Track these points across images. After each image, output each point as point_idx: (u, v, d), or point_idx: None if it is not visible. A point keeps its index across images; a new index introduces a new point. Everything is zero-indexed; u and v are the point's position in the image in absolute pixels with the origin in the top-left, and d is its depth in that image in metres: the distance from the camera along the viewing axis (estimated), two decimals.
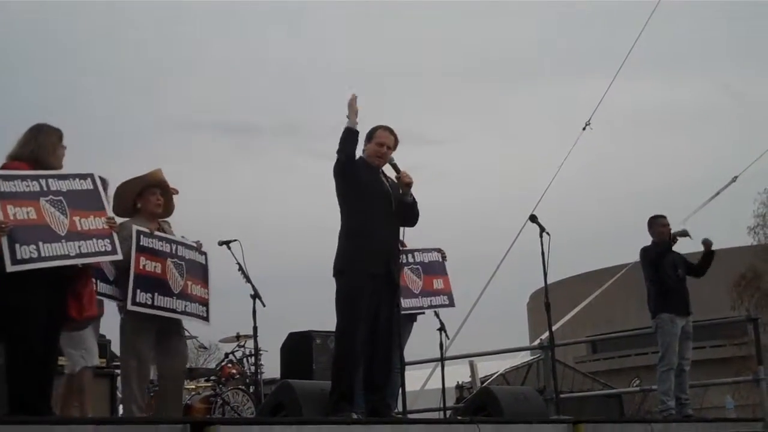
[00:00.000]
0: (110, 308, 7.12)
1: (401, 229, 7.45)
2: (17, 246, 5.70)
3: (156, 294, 6.85)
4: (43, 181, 6.00)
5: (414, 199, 7.15)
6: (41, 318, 5.78)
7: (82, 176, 6.27)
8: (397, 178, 7.09)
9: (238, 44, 65.73)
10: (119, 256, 6.33)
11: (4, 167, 6.03)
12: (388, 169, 7.17)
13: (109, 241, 6.18)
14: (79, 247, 5.99)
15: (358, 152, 7.13)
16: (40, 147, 6.10)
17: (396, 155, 7.12)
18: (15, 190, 5.85)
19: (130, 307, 6.72)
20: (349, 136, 6.89)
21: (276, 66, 69.32)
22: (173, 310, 6.96)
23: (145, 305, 6.77)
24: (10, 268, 5.68)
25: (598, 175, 59.90)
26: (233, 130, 68.41)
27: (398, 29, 66.92)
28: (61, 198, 6.03)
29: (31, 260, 5.74)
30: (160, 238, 7.05)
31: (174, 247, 7.14)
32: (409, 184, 7.06)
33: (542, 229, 8.51)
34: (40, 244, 5.80)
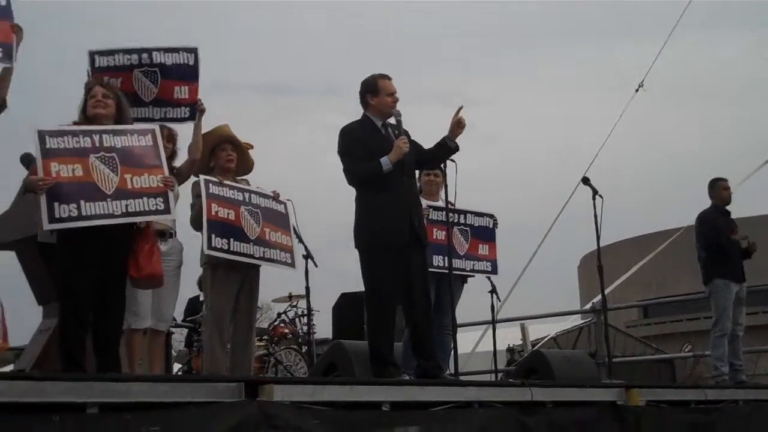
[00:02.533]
0: None
1: (451, 189, 7.43)
2: (56, 204, 5.65)
3: (231, 239, 6.77)
4: (96, 137, 5.92)
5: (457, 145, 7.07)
6: (94, 274, 5.76)
7: (142, 132, 6.18)
8: (454, 126, 6.98)
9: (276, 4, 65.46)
10: (172, 216, 6.33)
11: None
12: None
13: (162, 199, 6.04)
14: (127, 206, 5.87)
15: (358, 111, 7.02)
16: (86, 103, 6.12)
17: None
18: (62, 147, 5.79)
19: (206, 251, 6.71)
20: (377, 176, 6.73)
21: (316, 26, 69.07)
22: (251, 255, 6.87)
23: (221, 249, 6.71)
24: (46, 226, 5.69)
25: (651, 138, 59.22)
26: (273, 91, 68.35)
27: None
28: (113, 155, 5.92)
29: (69, 219, 5.68)
30: (231, 187, 6.98)
31: (247, 196, 7.05)
32: (463, 128, 7.00)
33: (595, 192, 8.47)
34: (82, 202, 5.71)
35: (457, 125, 6.98)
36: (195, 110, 7.10)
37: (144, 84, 7.02)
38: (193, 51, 7.19)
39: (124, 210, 5.87)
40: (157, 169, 6.11)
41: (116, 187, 5.88)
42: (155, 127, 6.35)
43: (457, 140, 7.04)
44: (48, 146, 5.76)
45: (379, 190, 6.76)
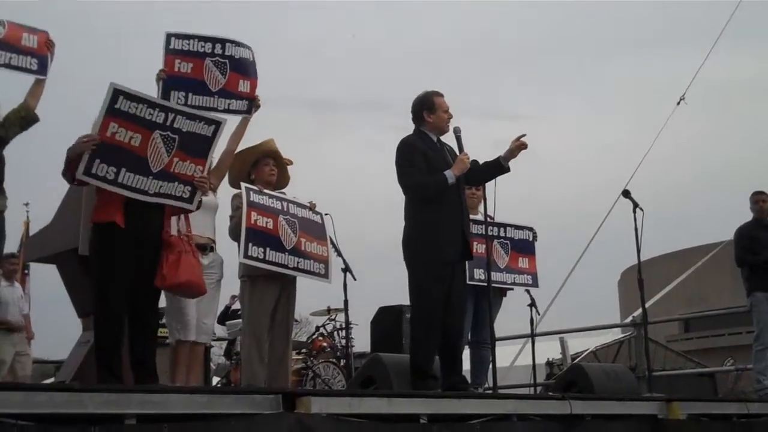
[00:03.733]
0: None
1: (490, 203, 7.42)
2: (97, 161, 5.62)
3: (268, 249, 6.81)
4: (171, 115, 5.86)
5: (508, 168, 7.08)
6: (127, 284, 5.76)
7: (210, 121, 6.09)
8: (515, 148, 6.99)
9: (319, 18, 65.79)
10: (192, 208, 6.20)
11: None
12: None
13: (189, 189, 6.01)
14: (161, 187, 5.86)
15: (407, 126, 7.05)
16: None
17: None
18: (133, 113, 5.70)
19: (242, 259, 6.74)
20: (443, 188, 6.75)
21: (357, 42, 69.25)
22: (285, 265, 6.91)
23: (256, 258, 6.75)
24: (79, 175, 5.64)
25: (692, 151, 58.77)
26: (316, 106, 68.57)
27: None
28: (176, 137, 5.87)
29: (103, 179, 5.64)
30: (271, 196, 7.04)
31: (285, 205, 7.10)
32: (521, 150, 7.01)
33: (635, 205, 8.41)
34: (123, 170, 5.68)
35: (518, 148, 7.00)
36: (251, 105, 7.36)
37: (213, 74, 7.21)
38: (250, 48, 7.48)
39: (157, 190, 5.85)
40: (201, 160, 6.07)
41: (162, 168, 5.86)
42: (224, 120, 6.25)
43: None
44: (117, 106, 5.66)
45: (436, 204, 6.76)
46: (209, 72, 7.20)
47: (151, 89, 6.81)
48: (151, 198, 5.84)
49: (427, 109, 6.97)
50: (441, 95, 7.03)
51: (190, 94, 7.08)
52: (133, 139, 5.72)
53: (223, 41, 7.33)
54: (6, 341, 10.75)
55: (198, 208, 6.25)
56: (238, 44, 7.40)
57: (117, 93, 5.65)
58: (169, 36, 7.14)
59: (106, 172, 5.65)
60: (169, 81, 6.99)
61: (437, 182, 6.74)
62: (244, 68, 7.40)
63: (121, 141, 5.69)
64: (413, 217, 6.86)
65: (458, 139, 6.96)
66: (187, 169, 5.98)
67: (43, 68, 6.52)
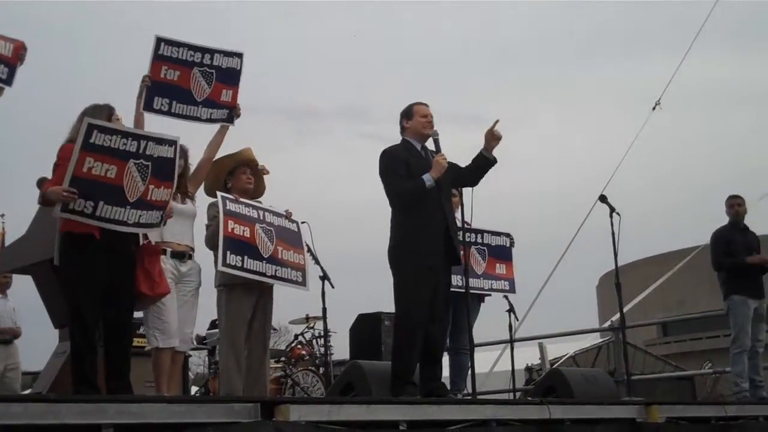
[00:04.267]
0: None
1: (464, 210, 7.42)
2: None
3: (245, 257, 6.82)
4: (144, 143, 5.81)
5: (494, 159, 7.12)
6: (99, 294, 5.72)
7: (170, 142, 6.03)
8: (490, 138, 7.01)
9: (297, 27, 65.79)
10: (161, 229, 6.26)
11: (61, 149, 5.88)
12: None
13: (161, 213, 6.02)
14: (140, 216, 5.85)
15: (396, 136, 7.11)
16: None
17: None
18: (107, 145, 5.66)
19: (220, 267, 6.72)
20: (421, 192, 6.77)
21: (335, 48, 69.32)
22: (263, 273, 6.91)
23: (234, 267, 6.74)
24: (56, 213, 5.63)
25: (669, 155, 59.07)
26: (293, 114, 68.51)
27: (457, 3, 66.47)
28: (149, 164, 5.83)
29: (82, 214, 5.61)
30: (246, 205, 7.05)
31: (261, 214, 7.11)
32: (498, 140, 7.03)
33: (612, 209, 8.44)
34: (101, 203, 5.65)
35: (492, 137, 7.01)
36: (233, 114, 7.35)
37: (200, 83, 7.19)
38: (240, 56, 7.45)
39: (136, 220, 5.84)
40: (169, 183, 6.05)
41: (139, 197, 5.83)
42: (178, 137, 6.18)
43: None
44: (92, 140, 5.62)
45: (417, 211, 6.79)
46: (196, 81, 7.17)
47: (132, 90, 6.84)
48: (130, 228, 5.84)
49: (406, 116, 7.08)
50: (422, 104, 7.12)
51: (174, 102, 7.06)
52: (108, 171, 5.68)
53: (212, 51, 7.31)
54: None
55: (164, 224, 6.25)
56: (227, 54, 7.38)
57: (91, 128, 5.64)
58: (159, 40, 7.08)
59: (83, 207, 5.62)
60: (153, 87, 6.96)
61: (415, 186, 6.76)
62: (229, 77, 7.38)
63: (98, 175, 5.65)
64: (397, 224, 6.90)
65: (435, 142, 7.00)
66: (161, 195, 5.97)
67: (10, 78, 6.45)
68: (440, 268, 6.84)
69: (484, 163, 7.08)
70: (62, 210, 5.60)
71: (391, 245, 6.89)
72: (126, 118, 6.39)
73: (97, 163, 5.64)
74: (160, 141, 5.95)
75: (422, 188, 6.73)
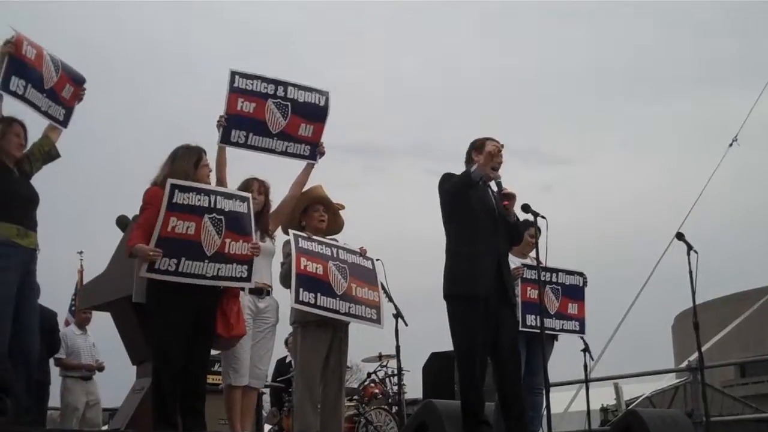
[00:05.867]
0: None
1: (541, 246, 7.37)
2: (159, 259, 5.84)
3: (319, 294, 6.84)
4: (213, 197, 6.13)
5: (517, 219, 7.06)
6: (185, 334, 5.89)
7: (242, 198, 6.39)
8: (500, 194, 6.98)
9: (362, 64, 66.15)
10: (251, 285, 6.45)
11: (147, 193, 6.13)
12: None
13: (246, 267, 6.24)
14: (218, 269, 6.07)
15: (460, 165, 7.05)
16: (175, 173, 6.17)
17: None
18: (186, 203, 5.99)
19: (293, 304, 6.77)
20: (470, 184, 6.75)
21: (402, 85, 69.50)
22: (336, 311, 6.92)
23: (308, 304, 6.77)
24: (143, 273, 5.85)
25: (746, 191, 58.13)
26: (360, 151, 68.78)
27: (520, 39, 66.35)
28: (222, 217, 6.12)
29: (166, 272, 5.86)
30: (320, 242, 7.09)
31: (335, 251, 7.14)
32: (511, 199, 6.92)
33: (690, 247, 8.31)
34: (183, 259, 5.91)
35: (504, 198, 6.95)
36: (316, 151, 7.39)
37: (274, 115, 7.26)
38: (326, 94, 7.55)
39: (215, 273, 6.06)
40: (248, 237, 6.29)
41: (216, 250, 6.06)
42: (249, 195, 6.51)
43: (532, 208, 7.05)
44: (175, 200, 5.96)
45: (471, 239, 6.77)
46: (271, 113, 7.25)
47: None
48: (209, 281, 6.05)
49: (476, 149, 7.02)
50: (494, 140, 7.04)
51: (250, 134, 7.14)
52: (189, 228, 6.00)
53: (285, 84, 7.38)
54: (78, 389, 10.92)
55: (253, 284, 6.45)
56: (303, 88, 7.44)
57: (173, 188, 5.97)
58: (233, 74, 7.18)
59: (167, 266, 5.88)
60: (231, 119, 7.05)
61: (461, 176, 6.78)
62: (309, 112, 7.42)
63: (180, 233, 5.96)
64: (450, 251, 6.89)
65: (498, 185, 6.92)
66: (241, 249, 6.21)
67: (66, 120, 6.56)
68: (496, 303, 6.78)
69: (509, 226, 7.03)
70: (148, 270, 5.84)
71: (444, 272, 6.86)
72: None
73: (180, 222, 5.95)
74: (229, 196, 6.27)
75: (467, 177, 6.72)
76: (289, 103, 7.35)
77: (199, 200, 6.05)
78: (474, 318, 6.66)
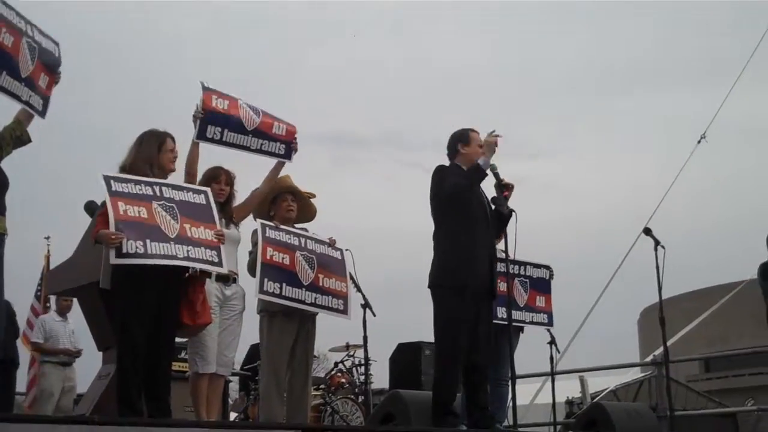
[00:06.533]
0: None
1: (508, 242, 7.41)
2: (124, 240, 5.79)
3: (284, 284, 6.86)
4: (156, 188, 6.13)
5: (511, 210, 7.10)
6: (149, 321, 5.87)
7: (196, 191, 6.42)
8: (500, 185, 7.03)
9: (336, 52, 66.02)
10: (224, 270, 6.44)
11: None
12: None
13: (216, 253, 6.21)
14: (188, 251, 6.04)
15: (439, 157, 7.13)
16: (139, 158, 6.23)
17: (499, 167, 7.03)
18: (126, 191, 5.98)
19: (257, 295, 6.78)
20: (482, 176, 6.85)
21: (373, 74, 69.43)
22: (302, 301, 6.94)
23: (272, 294, 6.79)
24: (113, 260, 5.79)
25: (714, 189, 58.51)
26: (332, 141, 68.67)
27: (497, 33, 66.43)
28: (173, 205, 6.13)
29: (136, 255, 5.81)
30: (287, 232, 7.10)
31: (303, 241, 7.15)
32: (510, 189, 7.02)
33: (657, 243, 8.37)
34: (148, 241, 5.87)
35: (503, 188, 7.03)
36: (290, 149, 7.38)
37: (248, 114, 7.25)
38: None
39: (185, 254, 6.03)
40: (211, 225, 6.29)
41: (177, 233, 6.04)
42: (206, 189, 6.53)
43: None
44: (114, 189, 5.93)
45: (467, 231, 6.82)
46: (244, 111, 7.24)
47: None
48: (181, 262, 6.03)
49: (462, 141, 7.10)
50: (477, 132, 7.13)
51: (225, 130, 7.11)
52: (141, 212, 5.97)
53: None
54: (56, 374, 10.90)
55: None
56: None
57: (107, 179, 5.99)
58: (203, 84, 7.14)
59: (136, 249, 5.83)
60: (207, 117, 7.02)
61: (471, 172, 6.83)
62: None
63: (134, 216, 5.92)
64: (441, 241, 6.93)
65: (496, 175, 7.02)
66: (204, 234, 6.21)
67: (44, 110, 6.46)
68: (484, 295, 6.83)
69: (501, 217, 7.10)
70: (117, 256, 5.79)
71: (434, 262, 6.90)
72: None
73: (129, 206, 5.92)
74: (179, 188, 6.30)
75: (478, 170, 6.81)
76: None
77: (140, 189, 6.04)
78: (461, 309, 6.72)
